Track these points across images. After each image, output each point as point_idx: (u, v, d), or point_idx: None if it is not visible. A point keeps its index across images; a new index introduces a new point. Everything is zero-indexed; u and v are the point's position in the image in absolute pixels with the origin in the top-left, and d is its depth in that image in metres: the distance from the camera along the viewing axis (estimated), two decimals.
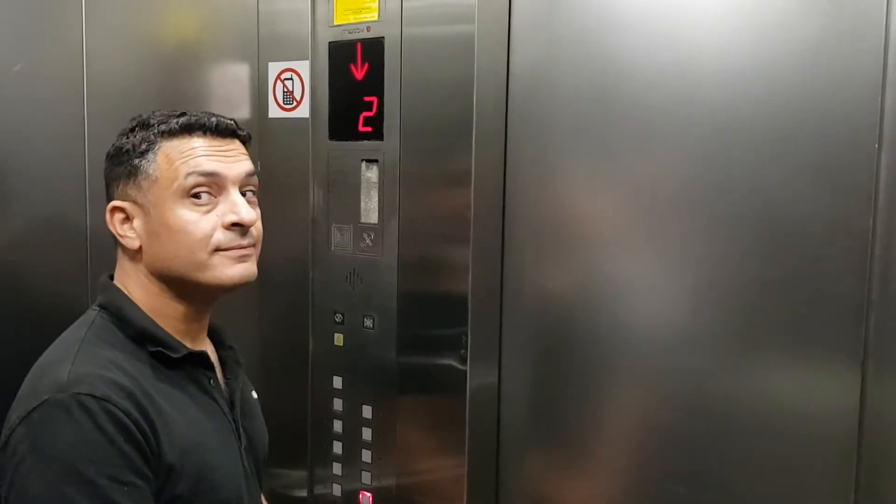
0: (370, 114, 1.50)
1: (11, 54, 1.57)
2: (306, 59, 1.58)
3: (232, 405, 1.19)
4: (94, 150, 1.61)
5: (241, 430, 1.19)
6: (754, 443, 1.26)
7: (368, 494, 1.57)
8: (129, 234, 1.13)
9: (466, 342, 1.42)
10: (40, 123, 1.62)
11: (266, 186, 1.65)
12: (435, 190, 1.46)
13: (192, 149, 1.12)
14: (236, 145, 1.16)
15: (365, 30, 1.50)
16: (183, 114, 1.14)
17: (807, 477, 1.22)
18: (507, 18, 1.41)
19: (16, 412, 1.03)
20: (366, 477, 1.57)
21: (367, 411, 1.56)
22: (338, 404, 1.60)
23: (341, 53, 1.53)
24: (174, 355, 1.12)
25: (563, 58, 1.38)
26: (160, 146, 1.12)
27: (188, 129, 1.13)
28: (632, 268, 1.36)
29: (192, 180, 1.10)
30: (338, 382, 1.60)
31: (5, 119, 1.59)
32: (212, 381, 1.17)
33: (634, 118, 1.32)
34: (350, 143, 1.54)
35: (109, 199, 1.15)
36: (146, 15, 1.71)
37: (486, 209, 1.43)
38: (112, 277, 1.18)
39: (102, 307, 1.14)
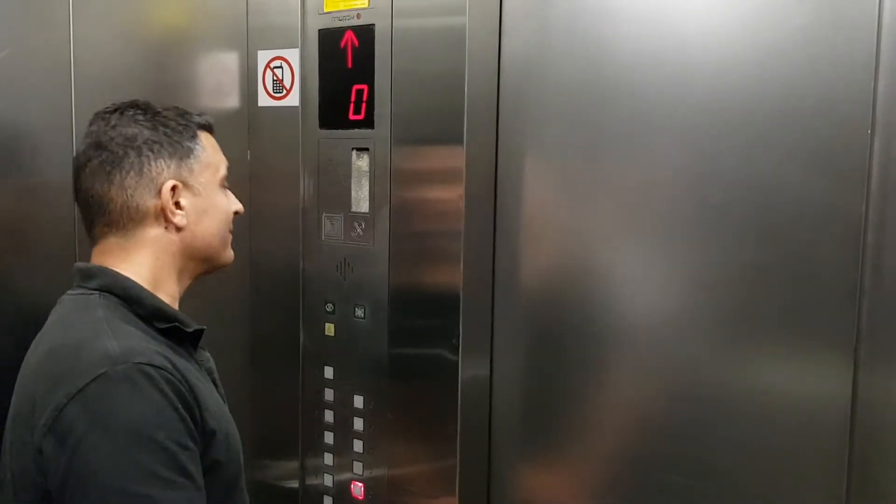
0: (360, 102, 1.49)
1: None
2: (296, 46, 1.57)
3: (214, 382, 1.20)
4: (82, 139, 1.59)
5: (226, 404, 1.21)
6: (747, 430, 1.25)
7: (360, 484, 1.56)
8: (180, 211, 1.15)
9: (458, 332, 1.41)
10: (27, 111, 1.60)
11: (256, 175, 1.66)
12: (426, 179, 1.45)
13: (215, 144, 1.23)
14: None
15: (355, 17, 1.48)
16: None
17: (799, 462, 1.22)
18: (498, 6, 1.41)
19: (60, 391, 0.98)
20: (357, 467, 1.56)
21: (358, 401, 1.55)
22: (329, 394, 1.59)
23: (331, 41, 1.52)
24: (188, 329, 1.14)
25: (555, 47, 1.37)
26: (199, 136, 1.18)
27: (209, 128, 1.22)
28: (624, 258, 1.36)
29: (224, 171, 1.22)
30: (329, 372, 1.59)
31: None
32: (195, 358, 1.18)
33: (627, 107, 1.31)
34: (340, 131, 1.53)
35: (129, 169, 1.12)
36: (135, 2, 1.70)
37: (478, 199, 1.42)
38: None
39: (103, 290, 1.11)
